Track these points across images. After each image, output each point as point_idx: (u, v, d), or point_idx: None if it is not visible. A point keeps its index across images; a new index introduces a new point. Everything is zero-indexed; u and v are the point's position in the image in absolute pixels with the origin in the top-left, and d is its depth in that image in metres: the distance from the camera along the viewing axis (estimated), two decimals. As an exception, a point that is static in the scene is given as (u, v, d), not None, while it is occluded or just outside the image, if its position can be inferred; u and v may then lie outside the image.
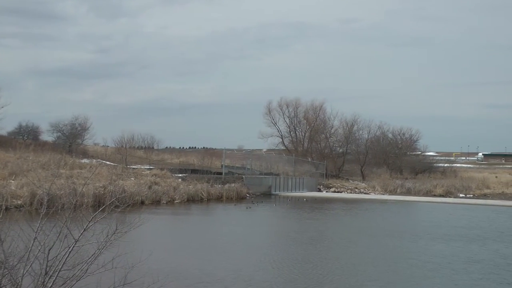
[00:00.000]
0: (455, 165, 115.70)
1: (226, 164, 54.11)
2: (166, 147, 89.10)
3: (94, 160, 50.57)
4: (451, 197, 57.33)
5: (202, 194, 43.41)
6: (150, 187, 40.27)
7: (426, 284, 16.34)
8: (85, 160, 48.67)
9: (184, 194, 41.74)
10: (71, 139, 57.55)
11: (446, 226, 30.96)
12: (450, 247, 23.51)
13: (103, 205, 10.29)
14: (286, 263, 18.94)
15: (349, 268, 18.46)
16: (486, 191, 64.31)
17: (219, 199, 44.36)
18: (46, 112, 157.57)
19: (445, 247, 23.47)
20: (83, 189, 32.24)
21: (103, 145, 65.73)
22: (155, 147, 77.79)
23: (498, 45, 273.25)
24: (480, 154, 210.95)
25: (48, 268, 8.96)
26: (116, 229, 9.94)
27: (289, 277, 16.75)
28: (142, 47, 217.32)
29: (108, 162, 49.47)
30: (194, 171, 51.54)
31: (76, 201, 10.66)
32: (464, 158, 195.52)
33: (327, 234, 27.51)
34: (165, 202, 39.69)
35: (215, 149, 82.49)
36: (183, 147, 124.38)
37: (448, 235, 27.09)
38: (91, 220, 9.78)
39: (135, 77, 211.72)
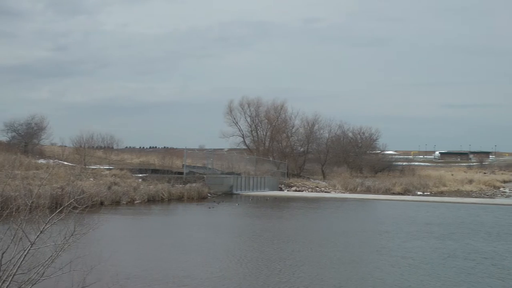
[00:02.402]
0: (413, 163, 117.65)
1: (187, 164, 53.75)
2: (126, 147, 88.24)
3: (51, 160, 49.60)
4: (409, 195, 57.98)
5: (163, 194, 42.99)
6: (109, 188, 39.66)
7: (414, 280, 16.48)
8: (41, 161, 47.70)
9: (144, 195, 41.26)
10: (26, 139, 56.37)
11: (415, 223, 31.32)
12: (426, 243, 23.83)
13: (61, 206, 9.98)
14: (267, 263, 18.77)
15: (334, 266, 18.42)
16: (443, 188, 65.47)
17: (180, 199, 43.99)
18: (0, 111, 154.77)
19: (421, 243, 23.76)
20: (40, 190, 31.50)
21: (60, 145, 64.44)
22: (115, 147, 76.80)
23: (455, 46, 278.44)
24: (437, 152, 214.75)
25: (1, 273, 8.63)
26: (74, 231, 9.67)
27: (276, 278, 16.51)
28: (101, 45, 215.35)
29: (66, 163, 48.58)
30: (154, 171, 51.01)
31: (32, 202, 10.30)
32: (421, 156, 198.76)
33: (300, 233, 27.45)
34: (125, 202, 39.15)
35: (176, 148, 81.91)
36: (143, 147, 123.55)
37: (419, 232, 27.48)
38: (48, 222, 9.48)
39: (94, 76, 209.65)
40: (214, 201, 43.17)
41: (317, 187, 60.59)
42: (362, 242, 24.29)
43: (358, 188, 60.16)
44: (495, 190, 68.40)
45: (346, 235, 26.47)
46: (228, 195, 49.36)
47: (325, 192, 57.61)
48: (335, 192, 57.98)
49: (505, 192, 66.66)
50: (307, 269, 17.76)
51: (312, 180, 64.88)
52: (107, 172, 45.73)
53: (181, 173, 50.82)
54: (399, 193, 58.60)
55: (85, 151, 53.52)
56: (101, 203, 36.80)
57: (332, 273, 17.35)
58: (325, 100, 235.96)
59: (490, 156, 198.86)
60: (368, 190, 59.31)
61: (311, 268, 17.94)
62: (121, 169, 47.04)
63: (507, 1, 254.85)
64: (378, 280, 16.38)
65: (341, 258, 20.09)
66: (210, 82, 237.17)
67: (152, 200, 41.61)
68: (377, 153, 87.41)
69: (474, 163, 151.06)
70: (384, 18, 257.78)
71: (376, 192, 58.52)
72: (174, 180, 46.44)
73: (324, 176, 68.73)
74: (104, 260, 15.26)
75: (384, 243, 23.75)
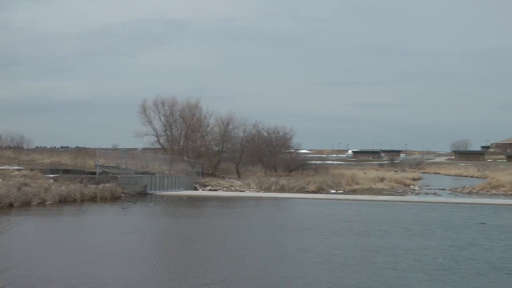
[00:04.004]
0: (326, 162, 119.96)
1: (100, 164, 52.88)
2: (37, 147, 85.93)
3: (-44, 161, 47.75)
4: (323, 193, 59.05)
5: (75, 195, 42.03)
6: (19, 189, 38.45)
7: (345, 277, 16.76)
8: None
9: (56, 195, 40.20)
10: None
11: (335, 221, 31.66)
12: (349, 240, 24.20)
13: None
14: (193, 264, 18.56)
15: (264, 265, 18.34)
16: (356, 187, 66.90)
17: (93, 199, 43.10)
18: None
19: (345, 240, 24.12)
20: None
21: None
22: (25, 147, 74.74)
23: (368, 46, 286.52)
24: (350, 151, 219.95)
25: None
26: (-18, 234, 9.48)
27: (205, 279, 16.30)
28: (9, 42, 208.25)
29: (-29, 163, 46.91)
30: (66, 171, 49.82)
31: None
32: (335, 155, 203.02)
33: (221, 232, 27.18)
34: (36, 203, 38.03)
35: (89, 148, 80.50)
36: (55, 147, 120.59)
37: (341, 229, 27.84)
38: (-45, 225, 9.26)
39: (2, 74, 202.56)
40: (129, 201, 42.55)
41: (232, 186, 60.79)
42: (286, 240, 24.41)
43: (273, 187, 60.67)
44: (405, 188, 70.58)
45: (269, 234, 26.47)
46: (142, 195, 48.81)
47: (240, 191, 57.89)
48: (250, 191, 58.31)
49: (415, 189, 68.99)
50: (236, 269, 17.67)
51: (227, 180, 65.05)
52: (17, 172, 44.39)
53: (94, 173, 49.89)
54: (313, 192, 59.43)
55: (-8, 151, 51.80)
56: (11, 205, 35.58)
57: (263, 272, 17.28)
58: (240, 100, 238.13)
59: (401, 155, 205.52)
60: (282, 189, 59.87)
61: (240, 268, 17.87)
62: (32, 170, 45.65)
63: (419, 4, 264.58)
64: (310, 278, 16.47)
65: (268, 256, 20.09)
66: (124, 81, 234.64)
67: (64, 201, 40.58)
68: (291, 152, 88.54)
69: (386, 162, 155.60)
70: (298, 18, 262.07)
71: (291, 190, 59.16)
72: (86, 181, 45.48)
73: (239, 175, 69.04)
74: (14, 264, 14.94)
75: (309, 241, 23.85)
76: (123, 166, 55.32)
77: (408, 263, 19.12)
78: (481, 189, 65.39)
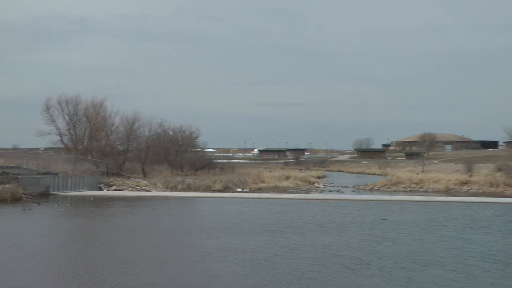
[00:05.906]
0: (233, 161, 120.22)
1: (-1, 164, 50.65)
2: None
3: None
4: (229, 191, 59.01)
5: (-27, 197, 40.10)
6: None
7: (271, 275, 16.73)
8: None
9: (-48, 197, 38.18)
10: None
11: (250, 219, 31.69)
12: (269, 238, 24.24)
13: None
14: (118, 265, 18.04)
15: (190, 265, 18.09)
16: (261, 185, 67.37)
17: (-9, 201, 41.27)
18: None
19: (265, 238, 24.21)
20: None
21: None
22: None
23: (272, 46, 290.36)
24: (256, 150, 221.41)
25: None
26: None
27: (141, 280, 15.85)
28: None
29: None
30: (-37, 172, 47.48)
31: None
32: (241, 154, 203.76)
33: (135, 233, 26.46)
34: None
35: (-13, 148, 77.04)
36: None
37: (258, 227, 27.93)
38: None
39: None
40: (33, 202, 40.99)
41: (137, 186, 59.80)
42: (206, 239, 24.03)
43: (179, 186, 60.05)
44: (310, 186, 71.73)
45: (188, 233, 26.00)
46: (45, 195, 47.09)
47: (146, 190, 57.00)
48: (156, 190, 57.52)
49: (319, 187, 70.15)
50: (163, 269, 17.38)
51: (132, 179, 63.92)
52: None
53: (-7, 174, 47.80)
54: (219, 190, 59.29)
55: None
56: None
57: (190, 271, 17.01)
58: (147, 98, 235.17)
59: (306, 153, 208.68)
60: (189, 188, 59.37)
61: (167, 268, 17.59)
62: None
63: (326, 5, 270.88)
64: (240, 276, 16.46)
65: (192, 256, 19.77)
66: (27, 79, 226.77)
67: (-39, 203, 38.68)
68: (198, 151, 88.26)
69: (291, 160, 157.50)
70: (206, 17, 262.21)
71: (197, 189, 58.73)
72: (-15, 182, 43.58)
73: (145, 175, 68.05)
74: None
75: (228, 239, 23.70)
76: (25, 166, 53.21)
77: (329, 258, 19.38)
78: (382, 186, 67.54)
